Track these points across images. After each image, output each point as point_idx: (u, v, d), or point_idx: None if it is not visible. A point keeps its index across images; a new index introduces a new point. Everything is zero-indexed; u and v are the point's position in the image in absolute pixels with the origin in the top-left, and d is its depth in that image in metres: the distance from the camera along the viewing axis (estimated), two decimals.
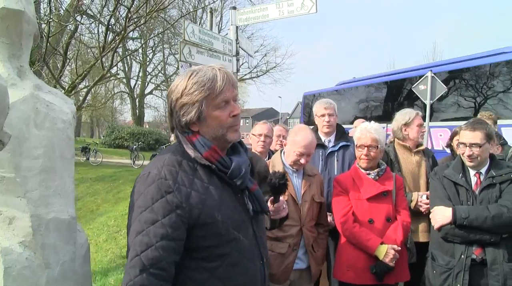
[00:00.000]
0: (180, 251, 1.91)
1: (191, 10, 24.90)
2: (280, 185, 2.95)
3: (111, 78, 25.91)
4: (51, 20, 8.70)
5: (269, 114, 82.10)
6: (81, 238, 2.49)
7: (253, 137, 4.82)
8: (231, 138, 2.10)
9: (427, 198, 4.40)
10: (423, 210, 4.44)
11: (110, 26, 9.66)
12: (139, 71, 43.39)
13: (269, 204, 3.20)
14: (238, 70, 8.37)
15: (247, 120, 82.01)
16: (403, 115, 4.89)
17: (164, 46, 36.93)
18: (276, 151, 4.70)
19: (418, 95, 10.88)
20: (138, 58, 40.20)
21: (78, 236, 2.45)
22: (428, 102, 10.41)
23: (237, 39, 8.11)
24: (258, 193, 2.24)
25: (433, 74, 10.43)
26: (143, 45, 35.09)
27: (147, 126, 50.51)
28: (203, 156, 2.02)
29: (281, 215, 3.15)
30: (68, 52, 12.85)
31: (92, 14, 11.60)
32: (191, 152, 2.03)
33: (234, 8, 8.27)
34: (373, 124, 4.07)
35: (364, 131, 3.95)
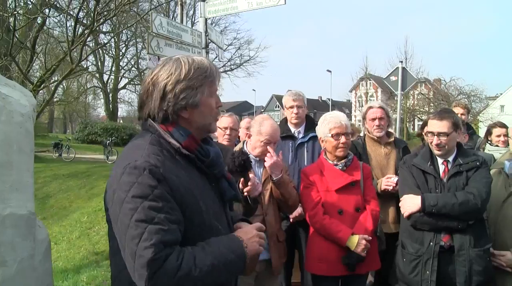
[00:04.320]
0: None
1: (163, 2, 24.57)
2: (244, 161, 3.03)
3: (82, 72, 25.39)
4: (15, 13, 8.49)
5: (243, 108, 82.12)
6: (42, 234, 2.42)
7: (219, 130, 4.79)
8: (213, 128, 2.15)
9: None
10: (391, 189, 4.46)
11: (79, 19, 9.48)
12: (112, 65, 42.63)
13: (241, 186, 3.23)
14: None
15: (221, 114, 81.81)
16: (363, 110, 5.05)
17: (137, 40, 36.45)
18: None
19: (389, 86, 10.99)
20: (111, 52, 39.64)
21: (38, 231, 2.38)
22: (399, 93, 10.51)
23: (206, 32, 8.02)
24: (233, 181, 2.26)
25: (403, 66, 10.53)
26: (115, 39, 34.63)
27: (121, 121, 49.90)
28: (183, 145, 1.98)
29: (258, 190, 3.22)
30: (37, 47, 12.60)
31: (60, 6, 11.36)
32: (173, 141, 1.97)
33: (203, 0, 8.17)
34: (338, 113, 4.12)
35: (337, 120, 3.91)
